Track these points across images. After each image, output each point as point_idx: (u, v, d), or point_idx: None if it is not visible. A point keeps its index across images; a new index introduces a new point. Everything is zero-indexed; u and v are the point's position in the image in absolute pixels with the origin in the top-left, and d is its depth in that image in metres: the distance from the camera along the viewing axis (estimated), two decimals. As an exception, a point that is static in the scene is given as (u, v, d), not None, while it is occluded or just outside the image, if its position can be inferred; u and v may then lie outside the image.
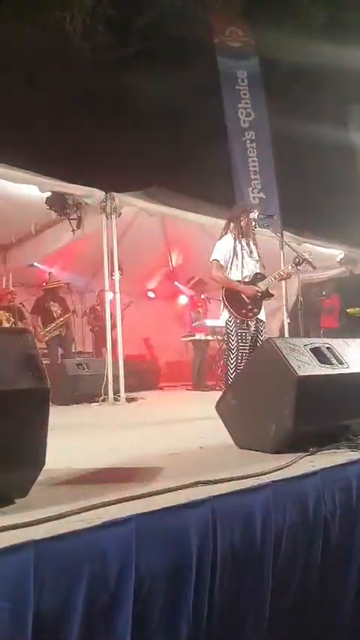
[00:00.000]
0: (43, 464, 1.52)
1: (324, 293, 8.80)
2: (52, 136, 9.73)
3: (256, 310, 4.01)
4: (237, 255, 4.03)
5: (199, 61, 9.79)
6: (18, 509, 1.45)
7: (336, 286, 9.00)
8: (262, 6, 10.00)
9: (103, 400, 5.58)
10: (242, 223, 4.08)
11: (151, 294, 10.69)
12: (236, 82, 8.36)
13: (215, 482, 1.72)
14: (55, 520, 1.30)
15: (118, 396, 5.68)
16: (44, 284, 7.59)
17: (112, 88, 10.63)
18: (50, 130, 9.88)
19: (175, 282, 10.08)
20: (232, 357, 3.92)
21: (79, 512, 1.36)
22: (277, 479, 1.81)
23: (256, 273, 4.08)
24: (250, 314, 3.98)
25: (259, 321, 4.06)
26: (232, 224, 4.13)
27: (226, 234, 4.15)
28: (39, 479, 1.61)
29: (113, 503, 1.46)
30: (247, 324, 3.98)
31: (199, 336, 8.02)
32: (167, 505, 1.49)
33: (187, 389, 8.08)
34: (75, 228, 6.26)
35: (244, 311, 3.96)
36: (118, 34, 10.97)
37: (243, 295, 3.97)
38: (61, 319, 7.19)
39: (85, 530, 1.28)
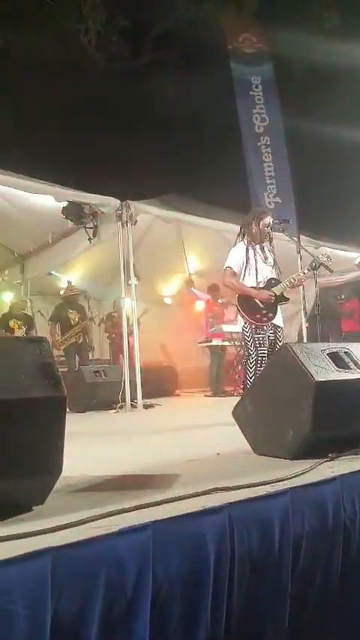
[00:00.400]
0: (60, 471, 1.53)
1: (342, 297, 8.72)
2: (68, 146, 9.86)
3: (270, 315, 3.98)
4: (250, 262, 4.03)
5: (213, 68, 9.84)
6: (35, 516, 1.47)
7: (354, 289, 8.91)
8: (275, 11, 10.00)
9: (121, 407, 5.61)
10: (254, 229, 4.07)
11: (167, 301, 10.71)
12: (250, 88, 8.38)
13: (232, 488, 1.71)
14: (72, 527, 1.31)
15: (135, 402, 5.69)
16: (62, 292, 7.68)
17: (126, 97, 10.74)
18: (65, 140, 10.01)
19: (192, 288, 10.08)
20: (250, 363, 3.91)
21: (95, 519, 1.36)
22: (295, 485, 1.79)
23: (270, 279, 4.06)
24: (265, 319, 3.95)
25: (276, 326, 4.03)
26: (245, 230, 4.13)
27: (240, 241, 4.14)
28: (56, 486, 1.63)
29: (130, 510, 1.47)
30: (263, 329, 3.96)
31: (215, 342, 8.00)
32: (184, 512, 1.48)
33: (205, 395, 8.06)
34: (91, 237, 6.33)
35: (258, 316, 3.94)
36: (131, 43, 11.10)
37: (257, 300, 3.95)
38: (79, 327, 7.27)
39: (102, 537, 1.28)
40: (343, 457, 2.14)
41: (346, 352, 2.42)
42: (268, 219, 4.11)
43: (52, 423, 1.45)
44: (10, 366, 1.40)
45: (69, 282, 7.81)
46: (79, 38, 10.08)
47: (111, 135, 10.45)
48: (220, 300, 8.31)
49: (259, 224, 4.07)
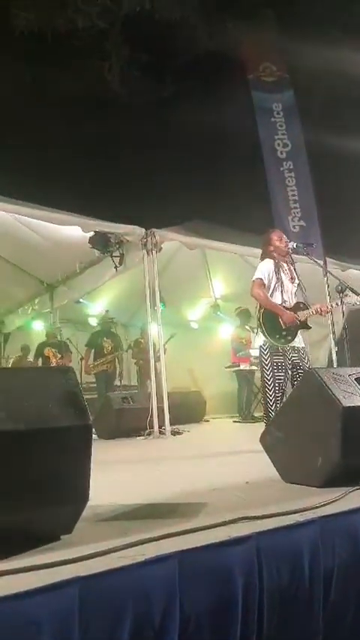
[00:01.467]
0: (87, 500, 1.54)
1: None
2: (93, 177, 10.13)
3: (289, 338, 3.84)
4: (279, 278, 3.97)
5: (235, 96, 10.03)
6: (63, 545, 1.48)
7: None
8: (296, 39, 10.18)
9: (149, 434, 5.59)
10: (276, 244, 4.04)
11: (194, 325, 10.73)
12: (272, 115, 8.50)
13: (260, 517, 1.69)
14: (98, 556, 1.32)
15: (164, 429, 5.67)
16: (97, 320, 7.91)
17: (150, 127, 11.02)
18: (91, 172, 10.29)
19: (219, 312, 10.09)
20: (269, 386, 3.76)
21: (122, 549, 1.37)
22: (325, 514, 1.76)
23: (298, 302, 4.00)
24: (283, 340, 3.82)
25: (298, 349, 3.88)
26: (268, 246, 4.10)
27: (266, 257, 4.09)
28: (84, 514, 1.64)
29: (156, 540, 1.47)
30: (281, 351, 3.82)
31: (243, 367, 7.95)
32: (210, 541, 1.47)
33: (234, 421, 7.97)
34: (118, 265, 6.43)
35: (277, 336, 3.82)
36: (154, 76, 11.43)
37: (280, 320, 3.84)
38: (111, 355, 7.47)
39: (128, 567, 1.28)
40: (375, 485, 2.09)
41: (374, 377, 2.38)
42: (285, 239, 4.09)
43: (79, 451, 1.47)
44: (37, 396, 1.43)
45: (107, 312, 8.03)
46: (103, 74, 10.44)
47: (135, 165, 10.71)
48: (246, 326, 8.28)
49: (272, 244, 4.05)
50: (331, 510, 1.80)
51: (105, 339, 7.60)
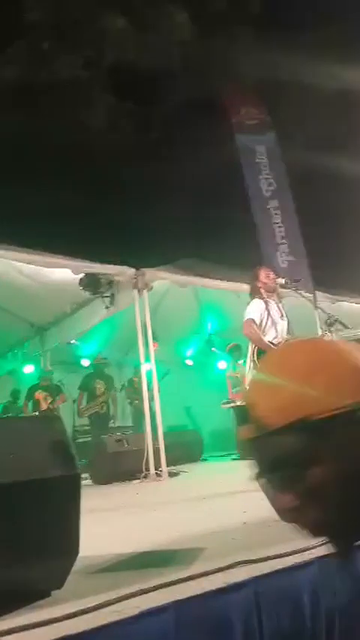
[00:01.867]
0: (77, 552, 1.49)
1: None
2: (83, 220, 10.30)
3: None
4: (270, 317, 4.04)
5: (219, 139, 10.34)
6: (53, 602, 1.42)
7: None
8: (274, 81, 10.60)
9: (145, 476, 5.47)
10: (261, 286, 4.11)
11: (189, 362, 10.69)
12: (256, 156, 8.75)
13: (257, 561, 1.64)
14: (88, 613, 1.26)
15: (160, 471, 5.56)
16: (90, 363, 7.89)
17: (138, 170, 11.30)
18: (80, 214, 10.47)
19: (213, 349, 10.08)
20: None
21: (113, 603, 1.31)
22: (323, 553, 1.71)
23: (287, 339, 4.05)
24: None
25: None
26: (256, 286, 4.17)
27: (255, 297, 4.17)
28: (76, 567, 1.58)
29: (150, 591, 1.41)
30: None
31: (239, 402, 7.88)
32: (207, 589, 1.42)
33: (233, 459, 7.84)
34: (109, 305, 6.45)
35: None
36: (140, 122, 11.81)
37: None
38: (103, 397, 7.42)
39: (122, 622, 1.23)
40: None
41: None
42: (273, 275, 4.17)
43: (67, 502, 1.43)
44: (23, 446, 1.40)
45: (99, 354, 8.01)
46: (90, 121, 10.76)
47: (123, 206, 10.92)
48: (240, 361, 8.26)
49: (260, 277, 4.12)
50: (330, 549, 1.75)
51: (98, 380, 7.57)
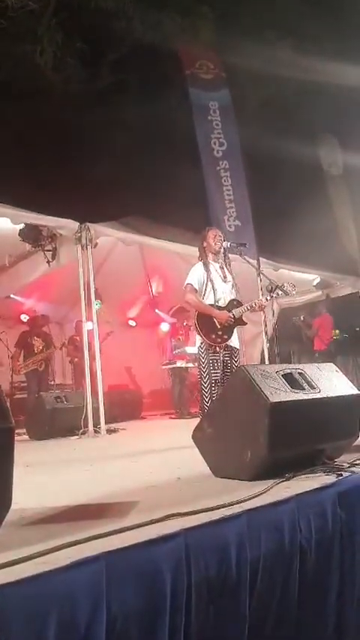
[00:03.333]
0: (10, 504, 1.49)
1: (302, 318, 8.87)
2: (24, 167, 9.79)
3: (225, 337, 3.99)
4: (210, 280, 4.06)
5: (172, 92, 10.03)
6: (-16, 552, 1.41)
7: (314, 310, 9.09)
8: (231, 39, 10.33)
9: (83, 433, 5.50)
10: (206, 244, 4.14)
11: (132, 323, 10.68)
12: (208, 113, 8.56)
13: (188, 514, 1.70)
14: (20, 563, 1.27)
15: (99, 428, 5.60)
16: (27, 319, 7.68)
17: (85, 119, 10.80)
18: (22, 162, 9.94)
19: (156, 310, 10.10)
20: (205, 384, 3.89)
21: (46, 554, 1.33)
22: (251, 507, 1.80)
23: (231, 300, 4.10)
24: (219, 340, 3.96)
25: (232, 348, 4.04)
26: (201, 248, 4.19)
27: (200, 260, 4.20)
28: (9, 519, 1.58)
29: (82, 542, 1.44)
30: (217, 350, 3.96)
31: (180, 364, 8.00)
32: (138, 541, 1.46)
33: (170, 417, 8.01)
34: (50, 260, 6.26)
35: (213, 336, 3.94)
36: (89, 67, 11.19)
37: (215, 320, 3.97)
38: (42, 355, 7.28)
39: (52, 572, 1.25)
40: (299, 476, 2.17)
41: (300, 373, 2.46)
42: (227, 243, 4.19)
43: (0, 455, 1.42)
44: None
45: (35, 310, 7.79)
46: (35, 59, 10.05)
47: (69, 157, 10.46)
48: (184, 323, 8.34)
49: (207, 242, 4.14)
50: (258, 503, 1.85)
51: (35, 338, 7.40)
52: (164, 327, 10.16)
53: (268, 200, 10.18)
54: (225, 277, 4.15)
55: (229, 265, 4.28)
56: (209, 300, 4.04)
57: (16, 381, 7.76)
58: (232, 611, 1.59)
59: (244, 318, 4.12)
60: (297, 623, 1.75)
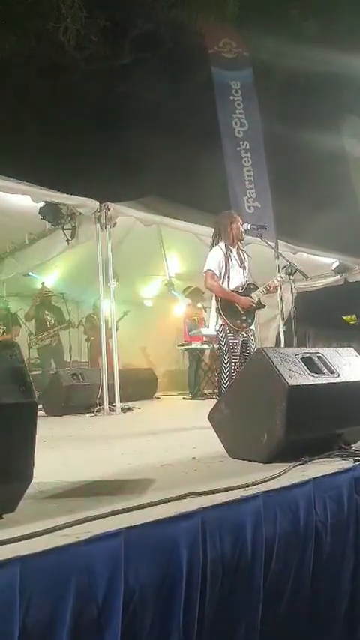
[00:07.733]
0: (31, 478, 1.51)
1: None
2: (46, 145, 9.77)
3: (250, 321, 4.05)
4: (229, 265, 4.05)
5: (195, 71, 9.86)
6: (5, 524, 1.45)
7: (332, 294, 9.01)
8: (256, 18, 10.09)
9: (98, 410, 5.56)
10: (230, 231, 4.10)
11: (148, 303, 10.69)
12: (230, 93, 8.42)
13: (205, 493, 1.71)
14: (42, 535, 1.30)
15: (114, 405, 5.66)
16: (37, 294, 7.68)
17: (107, 97, 10.70)
18: (44, 140, 9.92)
19: (172, 291, 10.08)
20: (225, 366, 3.93)
21: (66, 527, 1.35)
22: (268, 489, 1.81)
23: (249, 284, 4.10)
24: (244, 325, 4.01)
25: (249, 330, 4.07)
26: (221, 233, 4.15)
27: (217, 243, 4.16)
28: (28, 492, 1.61)
29: (102, 517, 1.46)
30: (239, 333, 4.00)
31: (195, 345, 8.02)
32: (156, 518, 1.48)
33: (184, 398, 8.06)
34: (69, 238, 6.27)
35: (238, 321, 3.99)
36: (112, 44, 11.04)
37: (238, 306, 3.99)
38: (55, 329, 7.30)
39: (72, 545, 1.27)
40: (316, 460, 2.17)
41: (319, 357, 2.45)
42: (247, 225, 4.16)
43: (23, 429, 1.44)
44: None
45: (42, 284, 7.79)
46: (58, 37, 9.97)
47: (90, 135, 10.39)
48: (199, 305, 8.33)
49: (232, 227, 4.10)
50: (274, 485, 1.85)
51: (47, 312, 7.42)
52: (180, 307, 10.16)
53: (289, 182, 10.04)
54: (241, 262, 4.15)
55: (243, 247, 4.27)
56: (230, 285, 4.04)
57: (32, 357, 7.85)
58: (246, 589, 1.61)
59: (262, 301, 4.12)
60: (311, 602, 1.77)
